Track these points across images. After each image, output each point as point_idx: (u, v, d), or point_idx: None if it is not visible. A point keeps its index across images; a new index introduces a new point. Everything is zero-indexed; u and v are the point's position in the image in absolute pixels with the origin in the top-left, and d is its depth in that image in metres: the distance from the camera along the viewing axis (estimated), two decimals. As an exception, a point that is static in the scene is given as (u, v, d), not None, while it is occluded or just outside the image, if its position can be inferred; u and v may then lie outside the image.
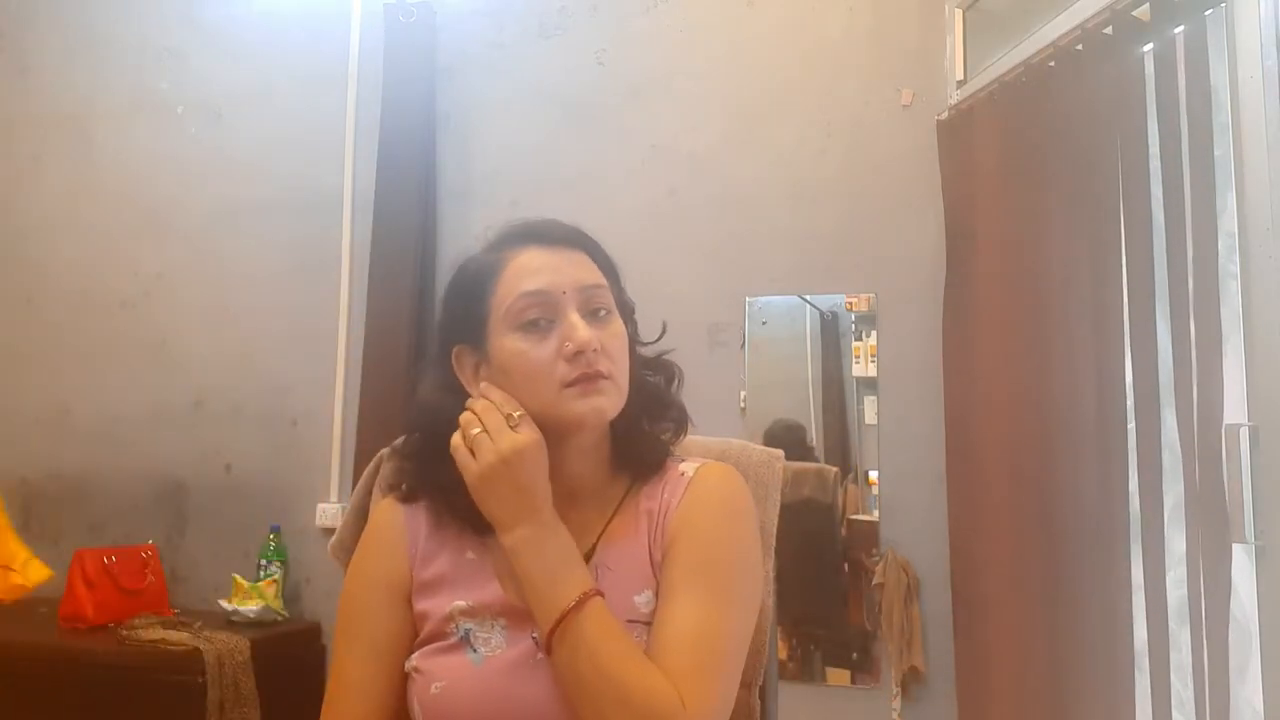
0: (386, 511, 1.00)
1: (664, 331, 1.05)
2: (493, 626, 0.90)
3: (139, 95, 2.84)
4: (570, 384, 0.89)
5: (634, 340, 1.01)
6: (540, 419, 0.91)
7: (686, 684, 0.81)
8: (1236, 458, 1.39)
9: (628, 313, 1.00)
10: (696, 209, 2.43)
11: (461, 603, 0.91)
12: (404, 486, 1.00)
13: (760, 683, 1.11)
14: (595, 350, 0.89)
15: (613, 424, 0.96)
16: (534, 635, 0.88)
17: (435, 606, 0.92)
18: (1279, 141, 1.38)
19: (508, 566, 0.91)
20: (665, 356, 1.04)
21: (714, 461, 1.00)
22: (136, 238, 2.80)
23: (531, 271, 0.92)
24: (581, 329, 0.89)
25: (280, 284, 2.66)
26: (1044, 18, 1.93)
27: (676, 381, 1.03)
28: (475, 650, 0.89)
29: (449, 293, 0.99)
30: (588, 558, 0.93)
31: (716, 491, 0.96)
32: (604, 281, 0.95)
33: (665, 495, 0.96)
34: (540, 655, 0.87)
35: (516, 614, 0.90)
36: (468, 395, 0.95)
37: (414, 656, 0.92)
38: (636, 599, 0.90)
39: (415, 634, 0.94)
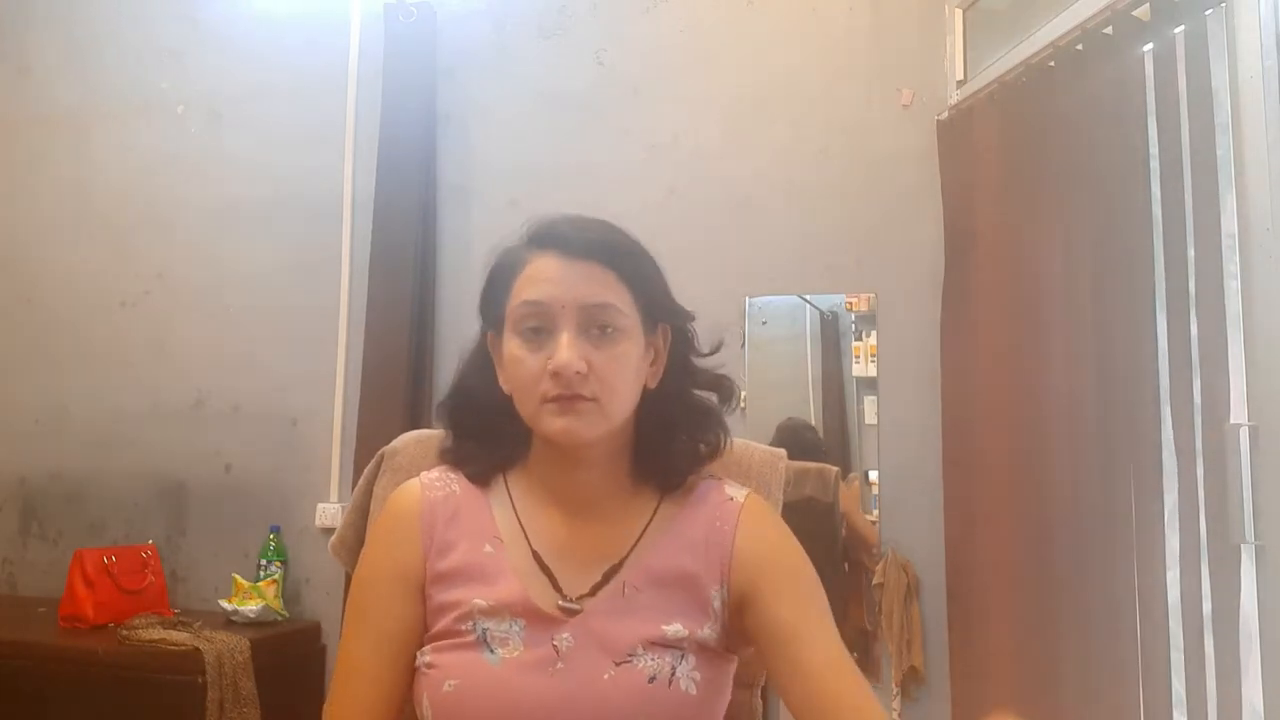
0: (403, 499, 0.98)
1: (719, 346, 1.03)
2: (510, 627, 0.89)
3: (139, 95, 2.84)
4: (550, 400, 0.89)
5: (687, 350, 1.00)
6: (530, 427, 0.94)
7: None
8: (1236, 458, 1.39)
9: (682, 320, 0.99)
10: (696, 209, 2.43)
11: (481, 601, 0.89)
12: (474, 470, 1.00)
13: (762, 683, 1.12)
14: (578, 373, 0.87)
15: (640, 435, 0.97)
16: (554, 641, 0.88)
17: (454, 599, 0.91)
18: (1279, 141, 1.38)
19: (522, 566, 0.92)
20: (721, 373, 1.02)
21: (750, 490, 1.01)
22: (136, 238, 2.79)
23: (539, 280, 0.91)
24: (565, 350, 0.88)
25: (280, 284, 2.66)
26: (1044, 18, 1.93)
27: (734, 400, 1.03)
28: (492, 651, 0.88)
29: (486, 278, 0.99)
30: (614, 572, 0.92)
31: (778, 525, 0.98)
32: (612, 300, 0.91)
33: (719, 524, 0.95)
34: (560, 664, 0.87)
35: (536, 616, 0.89)
36: (496, 381, 0.96)
37: (426, 651, 0.90)
38: (665, 628, 0.89)
39: (426, 626, 0.92)
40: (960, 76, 2.25)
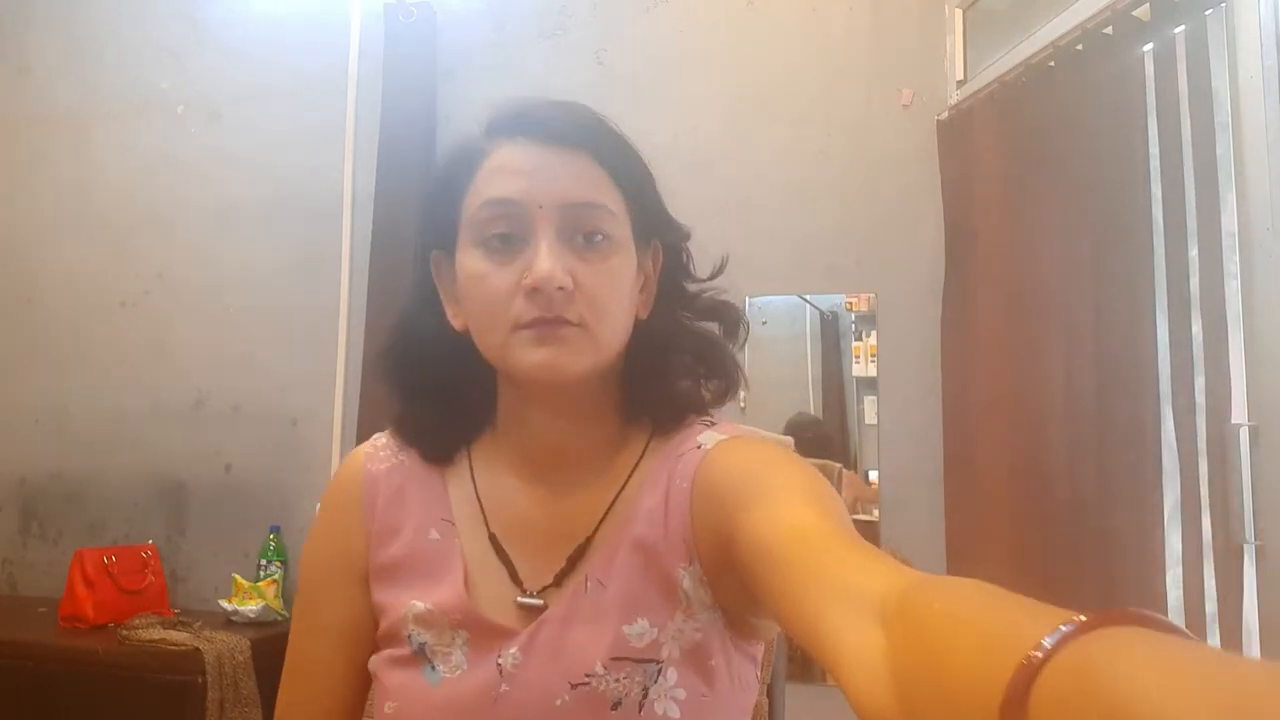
0: (344, 472, 0.82)
1: (722, 267, 0.86)
2: (453, 640, 0.73)
3: (139, 95, 2.84)
4: (525, 325, 0.69)
5: (680, 275, 0.82)
6: (497, 365, 0.74)
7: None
8: (1237, 457, 1.39)
9: (676, 238, 0.81)
10: (696, 209, 2.41)
11: (419, 604, 0.74)
12: (430, 448, 0.81)
13: (768, 681, 1.11)
14: (562, 289, 0.68)
15: (630, 368, 0.77)
16: (499, 659, 0.72)
17: (391, 601, 0.76)
18: (1279, 141, 1.38)
19: (476, 554, 0.76)
20: (723, 298, 0.84)
21: (734, 436, 0.76)
22: (136, 238, 2.79)
23: (507, 173, 0.71)
24: (544, 259, 0.68)
25: (280, 284, 2.66)
26: (1044, 18, 1.93)
27: (742, 332, 0.84)
28: (433, 668, 0.73)
29: (431, 184, 0.80)
30: (579, 555, 0.74)
31: (753, 448, 0.72)
32: (603, 200, 0.71)
33: (679, 481, 0.72)
34: (504, 687, 0.70)
35: (480, 627, 0.73)
36: (444, 314, 0.78)
37: (374, 657, 0.78)
38: (627, 629, 0.70)
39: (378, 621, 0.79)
40: (960, 76, 2.26)
